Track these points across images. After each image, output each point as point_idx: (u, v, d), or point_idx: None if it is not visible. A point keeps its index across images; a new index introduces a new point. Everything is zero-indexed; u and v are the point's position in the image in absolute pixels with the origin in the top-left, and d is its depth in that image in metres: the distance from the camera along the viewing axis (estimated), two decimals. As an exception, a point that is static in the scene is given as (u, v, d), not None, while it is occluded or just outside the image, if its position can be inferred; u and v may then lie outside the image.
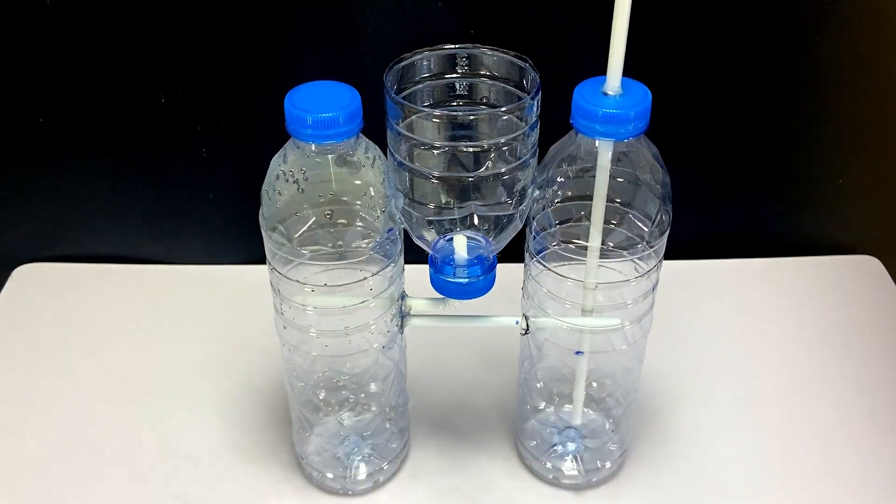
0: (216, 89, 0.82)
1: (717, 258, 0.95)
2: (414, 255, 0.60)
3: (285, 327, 0.61)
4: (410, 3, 0.76)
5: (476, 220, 0.53)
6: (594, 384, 0.69)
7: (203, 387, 0.78)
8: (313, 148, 0.54)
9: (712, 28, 0.79)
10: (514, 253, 0.59)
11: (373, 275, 0.58)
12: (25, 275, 0.92)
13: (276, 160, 0.56)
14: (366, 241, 0.57)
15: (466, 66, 0.53)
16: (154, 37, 0.78)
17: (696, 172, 0.86)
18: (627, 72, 0.52)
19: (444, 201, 0.52)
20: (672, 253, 0.63)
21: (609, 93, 0.52)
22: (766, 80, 0.82)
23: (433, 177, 0.51)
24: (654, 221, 0.56)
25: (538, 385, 0.70)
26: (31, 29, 0.78)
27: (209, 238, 0.62)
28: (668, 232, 0.58)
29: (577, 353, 0.63)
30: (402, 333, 0.64)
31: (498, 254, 0.56)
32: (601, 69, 0.52)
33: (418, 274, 0.60)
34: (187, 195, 0.89)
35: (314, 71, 0.59)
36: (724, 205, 0.93)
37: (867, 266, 0.94)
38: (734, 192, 0.92)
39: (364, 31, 0.77)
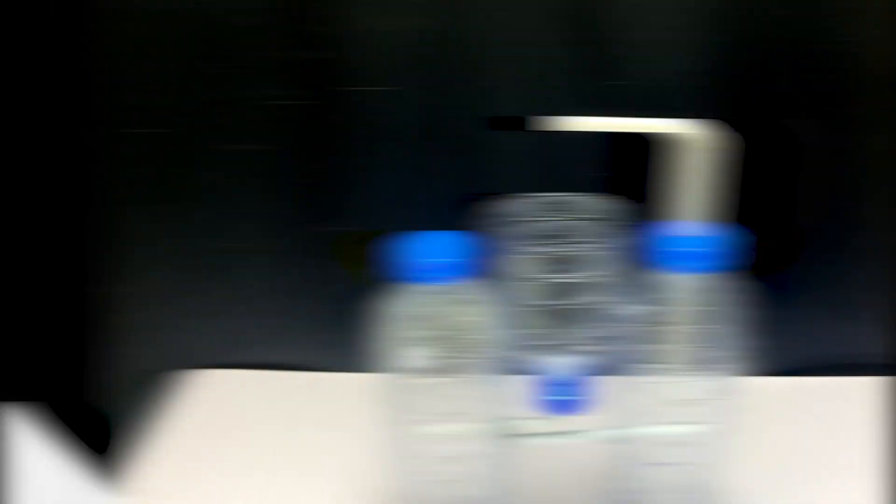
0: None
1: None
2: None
3: (400, 455, 0.67)
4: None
5: (577, 343, 0.61)
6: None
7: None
8: (432, 288, 0.61)
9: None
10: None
11: (484, 399, 0.64)
12: (207, 380, 1.03)
13: (395, 302, 0.63)
14: (481, 369, 0.63)
15: (565, 209, 0.62)
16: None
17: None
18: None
19: (547, 327, 0.60)
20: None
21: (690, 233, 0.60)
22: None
23: (538, 305, 0.59)
24: (730, 345, 0.64)
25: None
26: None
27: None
28: (743, 354, 0.64)
29: (658, 464, 0.68)
30: (507, 454, 0.68)
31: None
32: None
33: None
34: (349, 311, 0.99)
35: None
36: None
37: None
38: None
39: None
